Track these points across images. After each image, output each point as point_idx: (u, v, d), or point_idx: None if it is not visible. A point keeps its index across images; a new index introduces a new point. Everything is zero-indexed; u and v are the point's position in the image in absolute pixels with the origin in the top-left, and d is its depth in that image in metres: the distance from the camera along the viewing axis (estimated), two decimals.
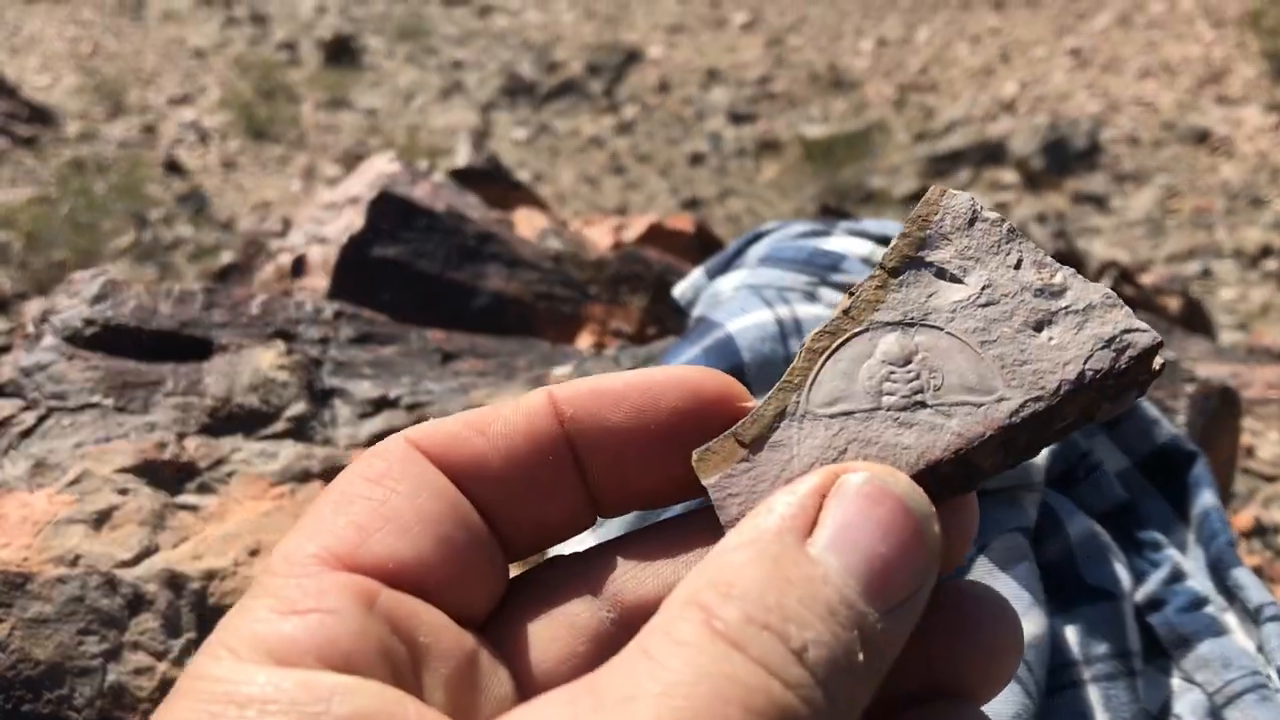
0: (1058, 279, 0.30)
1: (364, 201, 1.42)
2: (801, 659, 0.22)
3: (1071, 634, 0.72)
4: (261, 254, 1.45)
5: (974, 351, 0.30)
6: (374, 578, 0.28)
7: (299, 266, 1.41)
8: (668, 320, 1.35)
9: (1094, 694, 0.69)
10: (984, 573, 0.69)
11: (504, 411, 0.32)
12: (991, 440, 0.29)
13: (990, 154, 4.63)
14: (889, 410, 0.29)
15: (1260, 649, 0.77)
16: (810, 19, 6.21)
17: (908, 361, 0.30)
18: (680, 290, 0.89)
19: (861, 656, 0.24)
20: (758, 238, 0.88)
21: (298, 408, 0.82)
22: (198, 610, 0.67)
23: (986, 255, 0.31)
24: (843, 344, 0.30)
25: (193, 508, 0.74)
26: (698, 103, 5.32)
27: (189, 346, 0.85)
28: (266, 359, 0.83)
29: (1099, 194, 4.35)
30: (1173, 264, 3.81)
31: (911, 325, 0.30)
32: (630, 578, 0.32)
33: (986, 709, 0.63)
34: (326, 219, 1.43)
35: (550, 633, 0.32)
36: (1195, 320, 3.11)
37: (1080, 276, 0.31)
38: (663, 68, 5.70)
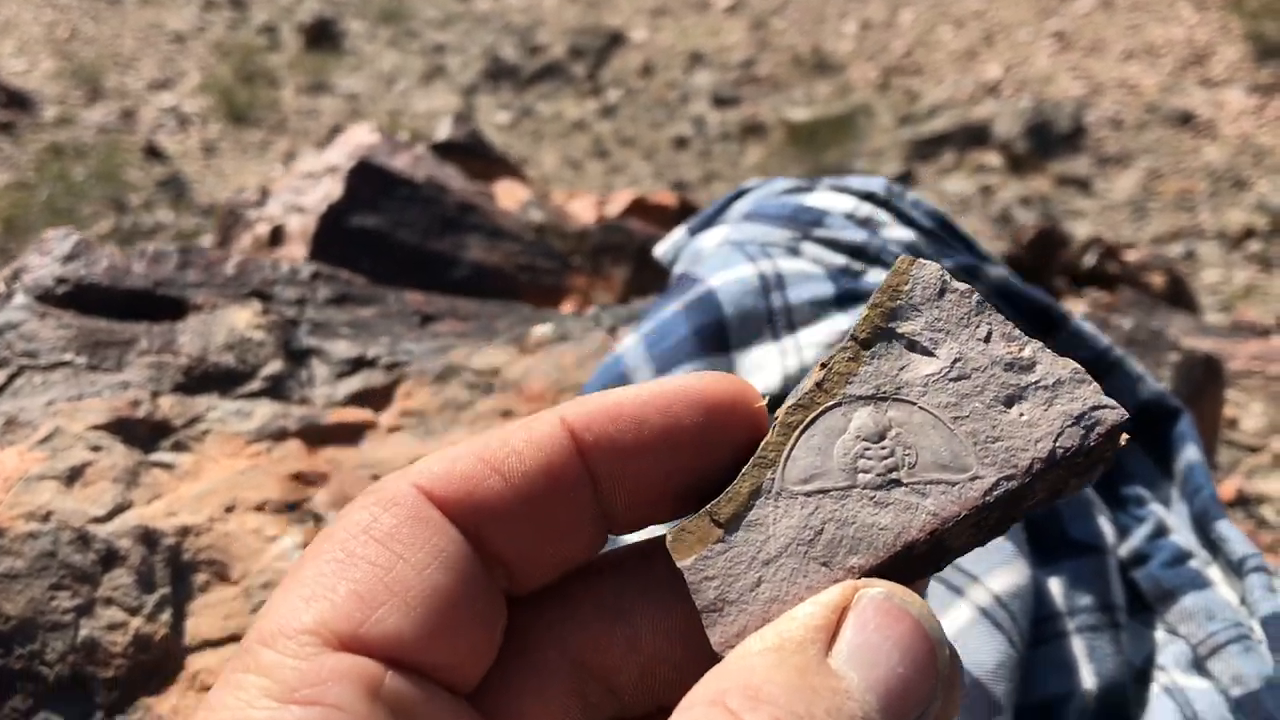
0: (1026, 352, 0.30)
1: (343, 171, 1.41)
2: None
3: (1056, 586, 0.72)
4: (239, 224, 1.43)
5: (947, 428, 0.30)
6: (376, 658, 0.26)
7: (277, 236, 1.39)
8: (651, 290, 1.34)
9: (1078, 645, 0.69)
10: None
11: (517, 445, 0.29)
12: (966, 520, 0.29)
13: (974, 137, 4.62)
14: (864, 489, 0.29)
15: (1243, 601, 0.76)
16: (794, 2, 6.20)
17: (882, 437, 0.30)
18: (662, 249, 0.88)
19: None
20: (740, 195, 0.87)
21: (274, 367, 0.81)
22: (172, 566, 0.66)
23: (956, 327, 0.31)
24: (816, 418, 0.30)
25: (167, 465, 0.73)
26: (681, 86, 5.30)
27: (163, 306, 0.84)
28: (242, 318, 0.82)
29: (1083, 177, 4.35)
30: (1156, 246, 3.81)
31: (884, 399, 0.30)
32: (618, 647, 0.31)
33: (968, 658, 0.63)
34: (305, 188, 1.41)
35: (541, 705, 0.30)
36: (1179, 297, 3.11)
37: (1048, 350, 0.31)
38: (646, 51, 5.68)
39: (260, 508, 0.71)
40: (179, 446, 0.74)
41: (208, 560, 0.68)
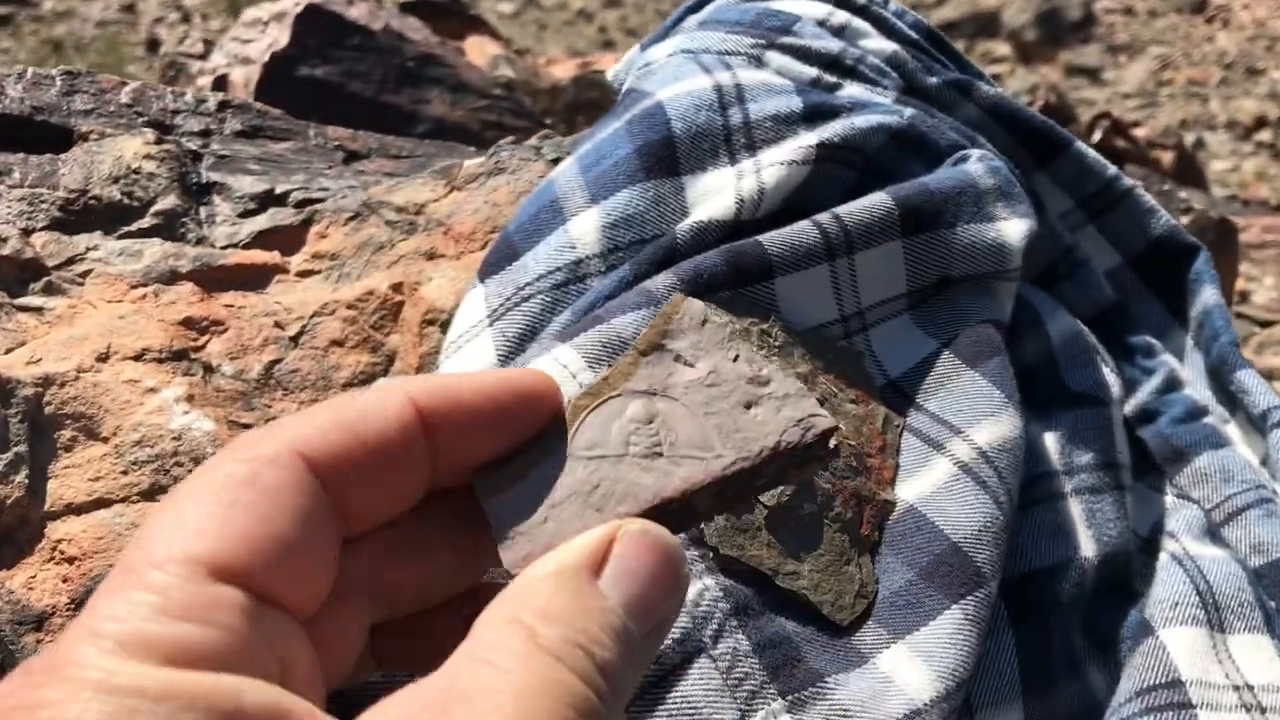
0: (764, 372, 0.38)
1: (290, 17, 1.29)
2: (604, 672, 0.29)
3: (1051, 442, 0.63)
4: (181, 76, 1.32)
5: (700, 419, 0.37)
6: (252, 593, 0.29)
7: (220, 87, 1.28)
8: None
9: (1076, 508, 0.60)
10: (948, 370, 0.59)
11: (375, 419, 0.34)
12: (709, 487, 0.36)
13: (984, 26, 4.48)
14: (634, 457, 0.36)
15: (1265, 461, 0.67)
16: None
17: (650, 421, 0.37)
18: (613, 71, 0.77)
19: (633, 668, 0.31)
20: (699, 6, 0.76)
21: (168, 202, 0.71)
22: (30, 420, 0.57)
23: (713, 349, 0.39)
24: (601, 404, 0.38)
25: (36, 309, 0.64)
26: None
27: (44, 136, 0.74)
28: (131, 147, 0.72)
29: (1092, 66, 4.21)
30: (1166, 137, 3.70)
31: (654, 394, 0.38)
32: (410, 573, 0.37)
33: (945, 520, 0.54)
34: (251, 37, 1.30)
35: (344, 621, 0.35)
36: (1188, 174, 3.00)
37: (782, 372, 0.39)
38: None
39: (139, 356, 0.62)
40: (52, 289, 0.65)
41: (73, 415, 0.59)
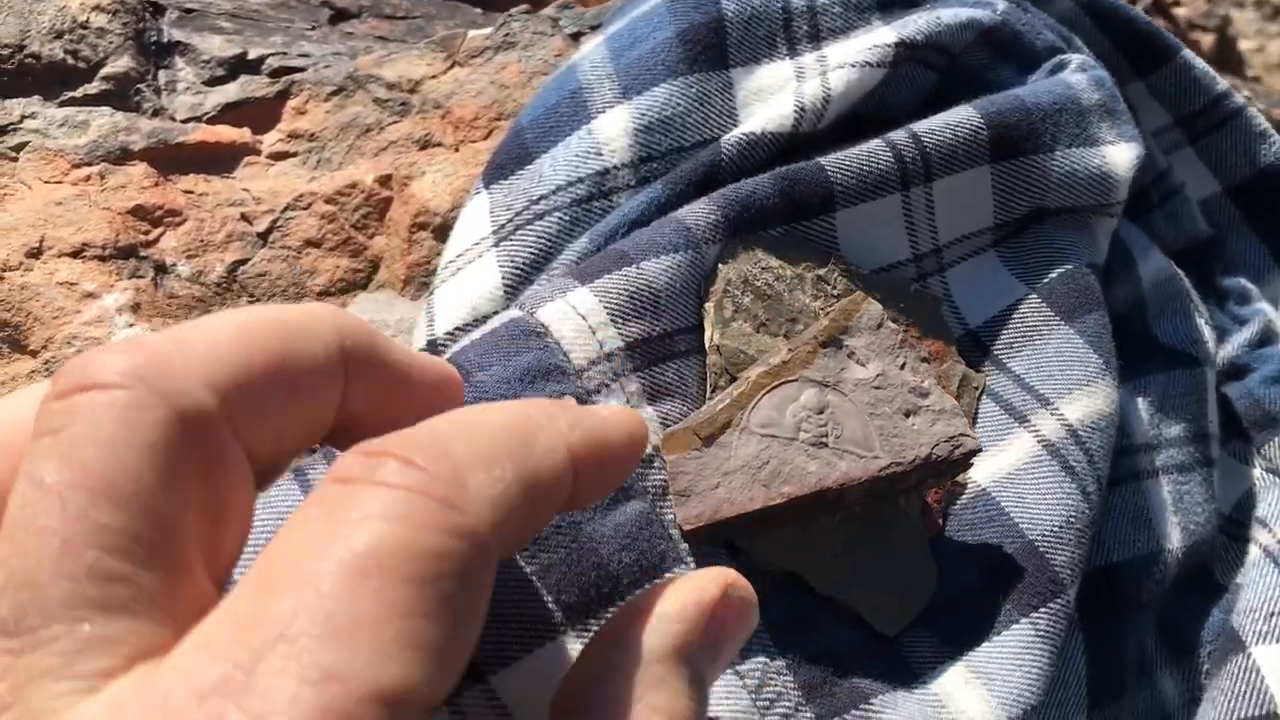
0: (925, 384, 0.42)
1: None
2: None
3: (1139, 410, 0.54)
4: None
5: (865, 419, 0.40)
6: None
7: None
8: None
9: (1163, 490, 0.52)
10: (1038, 323, 0.50)
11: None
12: (864, 484, 0.39)
13: None
14: (802, 443, 0.39)
15: None
16: None
17: (821, 411, 0.40)
18: None
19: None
20: None
21: (120, 64, 0.60)
22: None
23: (884, 353, 0.42)
24: (779, 385, 0.40)
25: None
26: None
27: None
28: None
29: None
30: (1207, 19, 3.53)
31: (828, 386, 0.40)
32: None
33: (1021, 511, 0.46)
34: None
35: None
36: (1227, 59, 2.86)
37: (939, 388, 0.42)
38: None
39: (78, 253, 0.53)
40: None
41: None
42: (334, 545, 0.21)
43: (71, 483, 0.21)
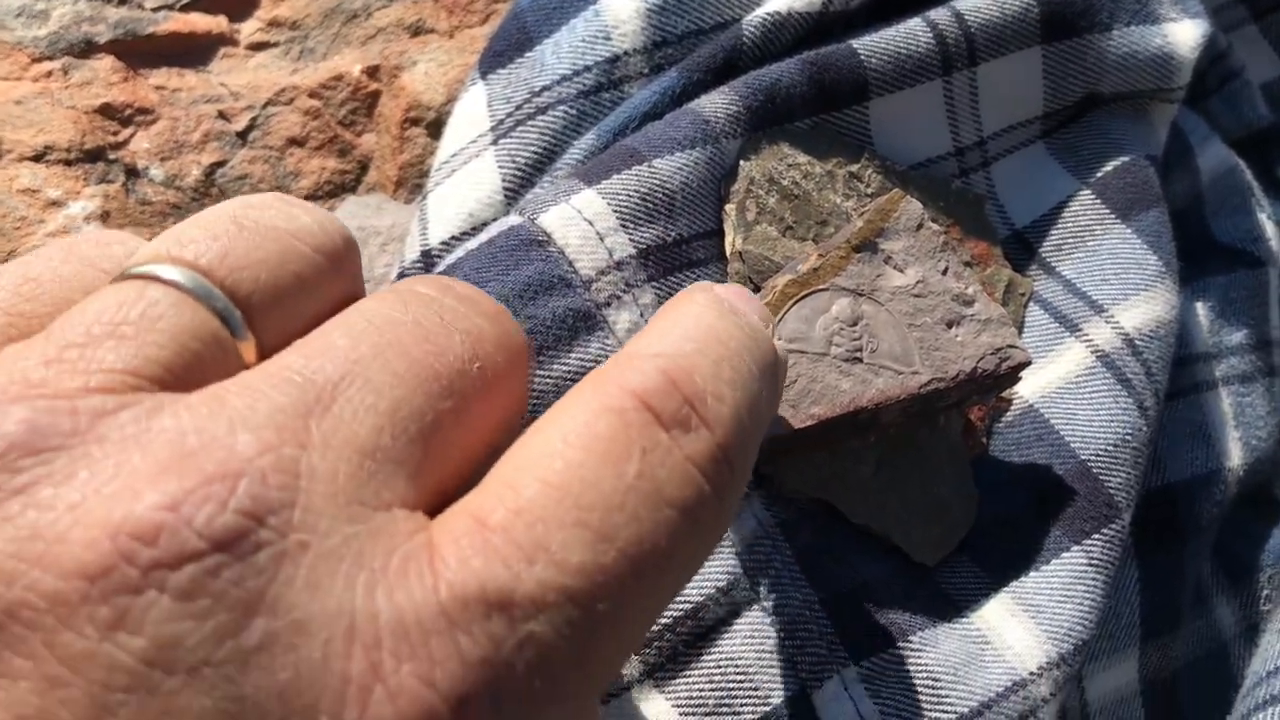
0: (970, 290, 0.38)
1: None
2: None
3: (1199, 315, 0.50)
4: None
5: (903, 330, 0.37)
6: None
7: None
8: None
9: (1224, 402, 0.48)
10: (1092, 221, 0.46)
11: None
12: (901, 402, 0.36)
13: None
14: (834, 358, 0.36)
15: None
16: None
17: (855, 323, 0.36)
18: None
19: None
20: None
21: None
22: None
23: (925, 257, 0.38)
24: (808, 295, 0.36)
25: None
26: None
27: None
28: None
29: None
30: None
31: (861, 295, 0.37)
32: None
33: (1074, 429, 0.42)
34: None
35: None
36: None
37: (984, 294, 0.38)
38: None
39: (41, 157, 0.48)
40: None
41: None
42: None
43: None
